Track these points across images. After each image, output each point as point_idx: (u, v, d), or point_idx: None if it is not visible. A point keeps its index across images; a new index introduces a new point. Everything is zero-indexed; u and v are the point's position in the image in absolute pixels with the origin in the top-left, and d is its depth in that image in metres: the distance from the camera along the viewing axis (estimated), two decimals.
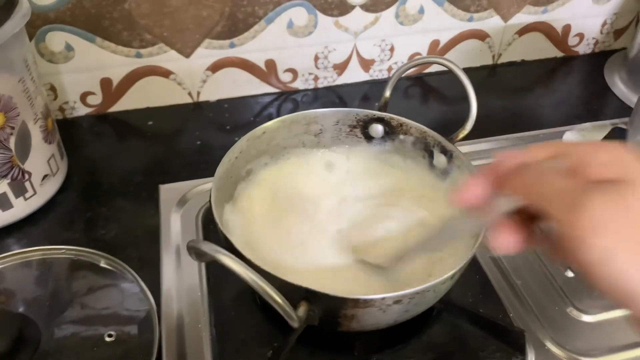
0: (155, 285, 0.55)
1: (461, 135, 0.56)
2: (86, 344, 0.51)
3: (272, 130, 0.57)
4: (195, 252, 0.39)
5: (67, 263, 0.58)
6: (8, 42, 0.55)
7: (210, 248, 0.38)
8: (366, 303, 0.42)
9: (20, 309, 0.53)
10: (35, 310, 0.53)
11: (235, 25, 0.79)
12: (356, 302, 0.42)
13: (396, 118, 0.58)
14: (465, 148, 0.65)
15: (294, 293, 0.40)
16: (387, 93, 0.59)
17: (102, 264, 0.57)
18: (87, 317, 0.53)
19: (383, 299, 0.42)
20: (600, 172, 0.30)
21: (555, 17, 0.93)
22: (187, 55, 0.80)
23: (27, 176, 0.63)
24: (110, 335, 0.51)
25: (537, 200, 0.31)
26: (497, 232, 0.34)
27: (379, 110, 0.59)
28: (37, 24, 0.72)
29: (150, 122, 0.82)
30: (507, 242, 0.34)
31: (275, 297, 0.38)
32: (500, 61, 0.96)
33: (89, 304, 0.54)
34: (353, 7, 0.81)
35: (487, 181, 0.34)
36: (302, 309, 0.40)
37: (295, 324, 0.39)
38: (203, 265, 0.59)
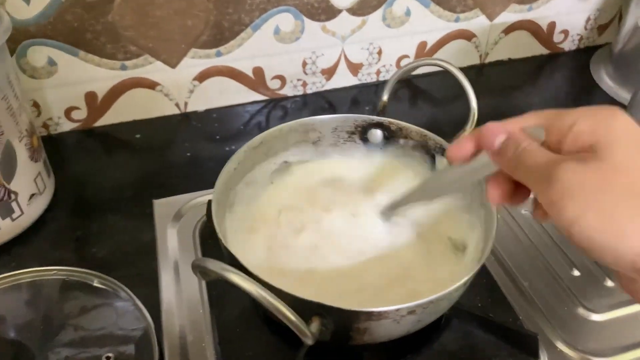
0: (151, 302, 0.54)
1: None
2: None
3: (270, 139, 0.56)
4: (200, 270, 0.38)
5: (59, 284, 0.56)
6: None
7: (216, 266, 0.36)
8: (380, 315, 0.40)
9: (12, 335, 0.52)
10: (27, 335, 0.51)
11: (222, 34, 0.77)
12: (370, 315, 0.40)
13: (395, 122, 0.57)
14: None
15: (305, 308, 0.39)
16: (385, 97, 0.57)
17: (95, 283, 0.55)
18: (82, 339, 0.51)
19: (397, 310, 0.40)
20: (577, 141, 0.34)
21: (540, 14, 0.92)
22: (173, 66, 0.78)
23: (13, 196, 0.61)
24: (108, 358, 0.50)
25: (517, 175, 0.35)
26: (489, 185, 0.38)
27: (377, 114, 0.58)
28: (18, 39, 0.69)
29: (137, 135, 0.80)
30: (493, 195, 0.38)
31: (288, 314, 0.36)
32: (487, 60, 0.95)
33: (84, 325, 0.52)
34: (340, 11, 0.80)
35: (475, 145, 0.39)
36: (314, 325, 0.39)
37: (309, 341, 0.38)
38: (203, 281, 0.57)
